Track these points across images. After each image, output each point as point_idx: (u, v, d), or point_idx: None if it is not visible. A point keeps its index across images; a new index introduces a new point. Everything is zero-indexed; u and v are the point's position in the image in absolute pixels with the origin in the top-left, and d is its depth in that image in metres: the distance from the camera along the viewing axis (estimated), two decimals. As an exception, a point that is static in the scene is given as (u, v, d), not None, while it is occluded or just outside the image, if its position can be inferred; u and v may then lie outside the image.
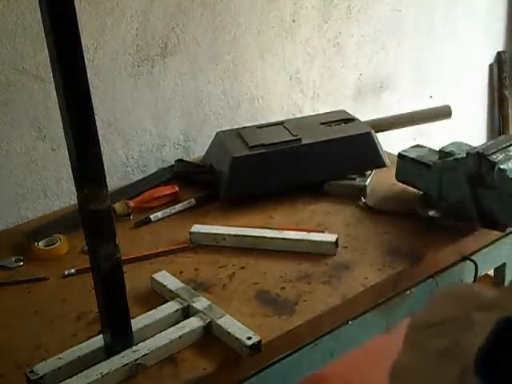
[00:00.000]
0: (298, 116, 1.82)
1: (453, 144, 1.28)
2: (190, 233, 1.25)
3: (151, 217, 1.35)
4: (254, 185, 1.39)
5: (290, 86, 1.85)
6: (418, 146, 1.37)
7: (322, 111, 1.77)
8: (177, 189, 1.44)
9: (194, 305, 1.02)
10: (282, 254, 1.19)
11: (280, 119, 1.59)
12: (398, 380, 0.63)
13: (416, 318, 0.65)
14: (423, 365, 0.59)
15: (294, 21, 1.79)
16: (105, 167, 0.85)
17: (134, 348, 0.93)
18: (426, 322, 0.63)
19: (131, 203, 1.38)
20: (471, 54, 2.32)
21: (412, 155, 1.32)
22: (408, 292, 1.15)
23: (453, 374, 0.54)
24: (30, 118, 1.41)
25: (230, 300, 1.07)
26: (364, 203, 1.35)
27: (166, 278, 1.10)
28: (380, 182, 1.43)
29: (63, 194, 1.49)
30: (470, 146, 1.26)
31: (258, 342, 0.93)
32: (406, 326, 0.65)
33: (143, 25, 1.52)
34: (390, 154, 1.46)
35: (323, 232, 1.24)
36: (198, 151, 1.68)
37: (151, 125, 1.60)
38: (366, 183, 1.39)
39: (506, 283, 1.32)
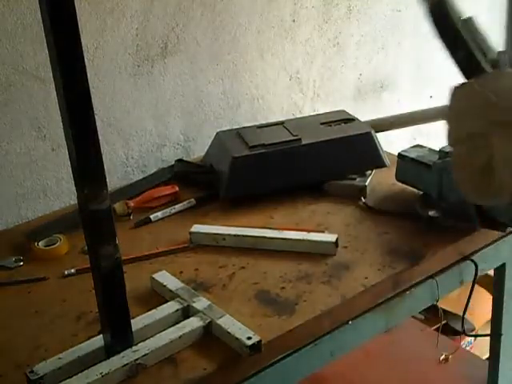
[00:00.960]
0: (298, 116, 1.82)
1: (453, 144, 1.28)
2: (190, 233, 1.25)
3: (151, 217, 1.35)
4: (254, 185, 1.39)
5: (290, 86, 1.85)
6: (418, 145, 1.37)
7: (322, 111, 1.77)
8: (177, 189, 1.44)
9: (194, 305, 1.02)
10: (282, 253, 1.19)
11: (280, 119, 1.59)
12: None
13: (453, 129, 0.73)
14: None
15: (294, 21, 1.79)
16: (105, 167, 0.85)
17: (134, 348, 0.93)
18: (458, 135, 0.73)
19: (131, 203, 1.38)
20: (471, 53, 2.32)
21: (412, 155, 1.32)
22: (408, 292, 1.15)
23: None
24: (30, 118, 1.41)
25: (230, 300, 1.07)
26: (364, 203, 1.35)
27: (166, 278, 1.10)
28: (380, 182, 1.43)
29: (63, 194, 1.49)
30: (470, 146, 1.26)
31: (257, 342, 0.93)
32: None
33: (143, 25, 1.52)
34: (390, 153, 1.46)
35: (323, 232, 1.24)
36: (198, 151, 1.68)
37: (151, 125, 1.60)
38: (366, 183, 1.39)
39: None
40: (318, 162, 1.42)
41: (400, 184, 1.37)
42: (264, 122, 1.66)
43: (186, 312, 1.02)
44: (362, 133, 1.46)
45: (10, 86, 1.36)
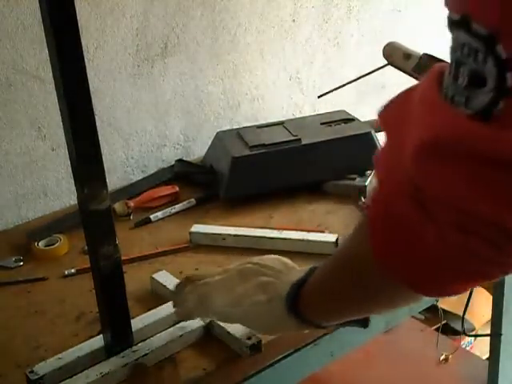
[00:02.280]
0: (298, 116, 1.82)
1: (453, 144, 1.28)
2: (190, 233, 1.25)
3: (151, 217, 1.35)
4: (254, 185, 1.39)
5: (290, 86, 1.85)
6: (417, 146, 1.37)
7: (322, 111, 1.77)
8: (177, 189, 1.44)
9: (194, 305, 1.01)
10: (282, 253, 1.18)
11: (280, 119, 1.59)
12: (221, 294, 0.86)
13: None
14: (243, 291, 0.83)
15: (293, 21, 1.79)
16: (105, 167, 0.85)
17: (134, 348, 0.93)
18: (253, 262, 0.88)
19: (131, 203, 1.38)
20: (471, 54, 2.32)
21: (412, 155, 1.32)
22: (408, 292, 1.15)
23: (262, 300, 0.80)
24: (30, 117, 1.41)
25: (230, 300, 1.06)
26: (364, 203, 1.35)
27: (166, 278, 1.10)
28: (380, 182, 1.43)
29: (63, 194, 1.49)
30: (469, 146, 1.26)
31: (258, 342, 0.93)
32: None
33: (143, 25, 1.52)
34: (390, 154, 1.46)
35: (323, 232, 1.24)
36: (198, 151, 1.68)
37: (151, 125, 1.60)
38: (366, 183, 1.39)
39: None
40: (317, 161, 1.42)
41: (400, 184, 1.37)
42: (264, 122, 1.66)
43: (186, 312, 1.02)
44: (361, 133, 1.46)
45: (10, 85, 1.36)
